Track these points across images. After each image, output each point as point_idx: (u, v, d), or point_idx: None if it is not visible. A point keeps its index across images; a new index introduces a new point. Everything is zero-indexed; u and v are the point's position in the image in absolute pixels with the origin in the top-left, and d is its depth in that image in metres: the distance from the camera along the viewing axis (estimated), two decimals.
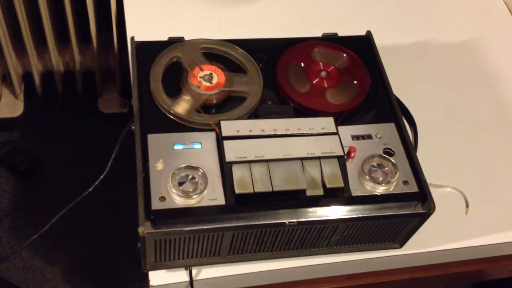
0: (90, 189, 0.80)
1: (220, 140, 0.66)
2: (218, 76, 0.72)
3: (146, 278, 0.72)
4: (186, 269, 0.72)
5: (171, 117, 0.69)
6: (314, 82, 0.75)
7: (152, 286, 0.71)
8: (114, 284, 1.34)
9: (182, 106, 0.69)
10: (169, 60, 0.74)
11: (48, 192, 1.44)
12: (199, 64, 0.73)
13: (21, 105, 1.53)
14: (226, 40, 0.77)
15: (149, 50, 0.74)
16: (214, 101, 0.71)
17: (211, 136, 0.68)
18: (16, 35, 1.34)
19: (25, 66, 1.43)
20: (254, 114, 0.71)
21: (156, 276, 0.71)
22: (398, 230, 0.71)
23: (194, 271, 0.72)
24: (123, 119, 1.51)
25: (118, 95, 1.56)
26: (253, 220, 0.64)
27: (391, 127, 0.73)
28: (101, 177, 0.79)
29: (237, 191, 0.63)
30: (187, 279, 0.71)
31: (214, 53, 0.76)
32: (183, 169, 0.64)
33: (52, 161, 1.49)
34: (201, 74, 0.72)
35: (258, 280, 0.77)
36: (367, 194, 0.67)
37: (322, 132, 0.68)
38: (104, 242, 1.39)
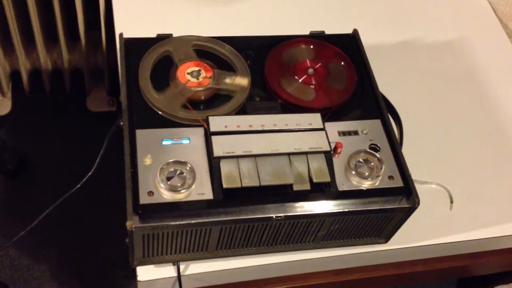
0: (78, 185, 0.80)
1: (208, 135, 0.66)
2: (206, 73, 0.73)
3: (134, 275, 0.72)
4: (174, 264, 0.72)
5: (160, 113, 0.69)
6: (301, 79, 0.76)
7: (139, 281, 0.71)
8: (101, 281, 1.34)
9: (167, 100, 0.70)
10: (158, 56, 0.74)
11: (35, 190, 1.43)
12: (189, 60, 0.73)
13: (8, 103, 1.53)
14: (214, 37, 0.78)
15: (137, 47, 0.74)
16: (202, 97, 0.71)
17: (199, 131, 0.69)
18: (4, 33, 1.34)
19: (13, 64, 1.42)
20: (242, 110, 0.71)
21: (144, 272, 0.72)
22: (383, 225, 0.72)
23: (182, 266, 0.72)
24: (111, 118, 1.51)
25: (106, 93, 1.56)
26: (240, 214, 0.64)
27: (377, 123, 0.74)
28: (89, 173, 0.79)
29: (225, 185, 0.63)
30: (175, 274, 0.72)
31: (205, 50, 0.77)
32: (171, 164, 0.65)
33: (39, 159, 1.48)
34: (189, 70, 0.73)
35: (245, 275, 0.78)
36: (353, 188, 0.68)
37: (309, 128, 0.69)
38: (91, 239, 1.39)
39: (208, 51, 0.77)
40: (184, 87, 0.71)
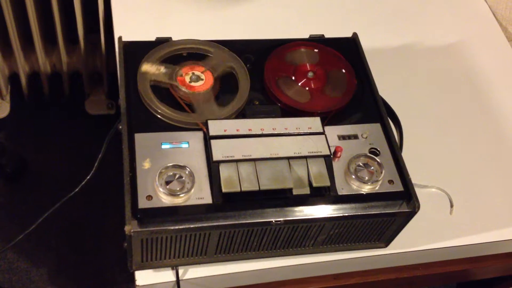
0: (77, 189, 0.80)
1: (207, 139, 0.66)
2: (205, 80, 0.72)
3: (132, 279, 0.72)
4: (172, 268, 0.72)
5: (159, 116, 0.69)
6: (301, 82, 0.76)
7: (138, 286, 0.71)
8: (100, 285, 1.33)
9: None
10: (157, 59, 0.74)
11: (34, 193, 1.43)
12: (176, 73, 0.73)
13: (7, 106, 1.52)
14: (213, 40, 0.77)
15: (136, 50, 0.74)
16: (201, 101, 0.71)
17: (199, 135, 0.68)
18: (3, 36, 1.34)
19: (11, 67, 1.42)
20: (242, 114, 0.71)
21: (142, 276, 0.71)
22: (383, 229, 0.72)
23: (180, 271, 0.72)
24: (110, 121, 1.51)
25: (105, 96, 1.56)
26: (240, 219, 0.64)
27: (377, 127, 0.74)
28: (88, 177, 0.79)
29: (224, 190, 0.63)
30: (173, 278, 0.71)
31: (195, 52, 0.77)
32: (170, 168, 0.64)
33: (38, 162, 1.48)
34: (191, 72, 0.72)
35: (244, 279, 0.77)
36: (353, 193, 0.67)
37: (308, 132, 0.69)
38: (90, 243, 1.38)
39: (198, 53, 0.77)
40: (177, 86, 0.71)
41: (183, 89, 0.71)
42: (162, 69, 0.72)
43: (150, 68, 0.71)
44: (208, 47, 0.77)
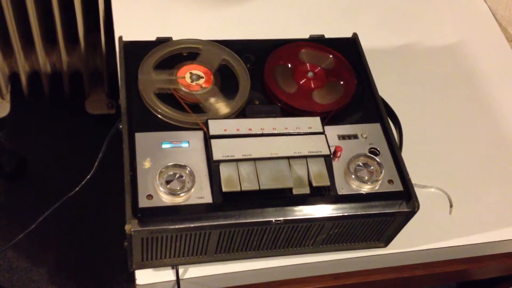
0: (77, 189, 0.80)
1: (207, 138, 0.66)
2: (204, 83, 0.72)
3: (132, 278, 0.72)
4: (173, 268, 0.72)
5: (159, 116, 0.69)
6: (301, 82, 0.76)
7: (138, 285, 0.71)
8: (100, 285, 1.34)
9: (151, 78, 0.70)
10: (157, 59, 0.74)
11: (34, 193, 1.43)
12: (205, 65, 0.73)
13: (7, 105, 1.53)
14: (214, 40, 0.78)
15: (137, 50, 0.74)
16: (201, 100, 0.71)
17: (199, 135, 0.68)
18: (3, 35, 1.34)
19: (11, 67, 1.42)
20: (242, 114, 0.71)
21: (142, 275, 0.71)
22: (383, 229, 0.72)
23: (180, 270, 0.72)
24: (110, 120, 1.51)
25: (105, 96, 1.56)
26: (240, 218, 0.64)
27: (376, 127, 0.74)
28: (88, 177, 0.79)
29: (224, 189, 0.63)
30: (173, 278, 0.72)
31: (195, 52, 0.76)
32: (171, 167, 0.65)
33: (38, 161, 1.48)
34: (193, 71, 0.72)
35: (244, 279, 0.78)
36: (353, 192, 0.68)
37: (309, 131, 0.69)
38: (90, 242, 1.38)
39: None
40: (175, 80, 0.71)
41: (188, 90, 0.71)
42: (162, 75, 0.71)
43: (149, 77, 0.71)
44: (209, 47, 0.77)
